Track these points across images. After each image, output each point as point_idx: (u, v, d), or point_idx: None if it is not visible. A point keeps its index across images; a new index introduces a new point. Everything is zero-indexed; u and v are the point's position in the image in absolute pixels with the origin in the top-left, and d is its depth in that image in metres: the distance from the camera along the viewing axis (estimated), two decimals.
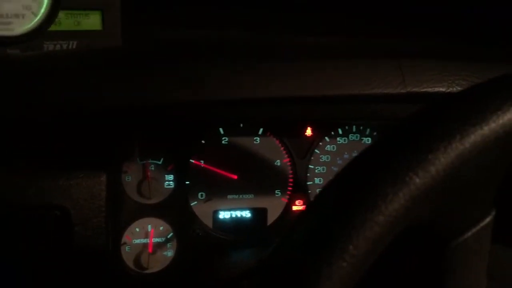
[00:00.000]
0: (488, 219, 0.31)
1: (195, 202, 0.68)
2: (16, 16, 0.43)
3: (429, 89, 0.52)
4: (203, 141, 0.67)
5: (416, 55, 0.54)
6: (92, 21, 0.68)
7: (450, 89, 0.52)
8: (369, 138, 0.73)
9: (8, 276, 0.52)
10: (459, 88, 0.53)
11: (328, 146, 0.72)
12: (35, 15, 0.43)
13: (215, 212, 0.69)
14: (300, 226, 0.26)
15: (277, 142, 0.70)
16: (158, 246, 0.66)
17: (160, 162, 0.66)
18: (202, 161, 0.68)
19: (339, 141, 0.73)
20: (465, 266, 0.31)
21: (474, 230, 0.31)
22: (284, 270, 0.25)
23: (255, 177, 0.70)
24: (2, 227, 0.49)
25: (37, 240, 0.51)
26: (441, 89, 0.52)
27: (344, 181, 0.27)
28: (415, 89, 0.51)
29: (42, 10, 0.44)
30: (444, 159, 0.27)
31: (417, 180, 0.26)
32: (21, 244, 0.51)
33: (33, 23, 0.44)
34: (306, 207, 0.27)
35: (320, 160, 0.72)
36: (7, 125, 0.43)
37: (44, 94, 0.44)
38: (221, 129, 0.68)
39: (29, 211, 0.50)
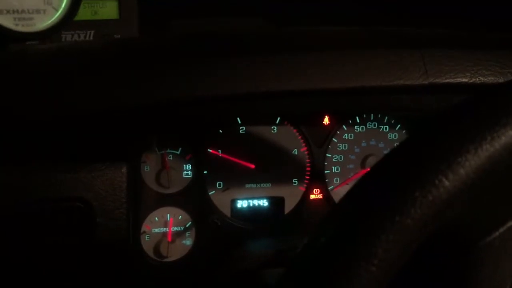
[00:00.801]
0: None
1: (213, 191, 0.68)
2: (37, 11, 0.43)
3: (452, 80, 0.51)
4: (220, 131, 0.67)
5: (438, 45, 0.53)
6: (108, 10, 0.68)
7: (473, 80, 0.51)
8: (387, 126, 0.73)
9: (32, 266, 0.53)
10: (482, 79, 0.52)
11: (346, 134, 0.72)
12: (56, 10, 0.43)
13: (233, 201, 0.70)
14: (327, 229, 0.26)
15: (295, 131, 0.70)
16: (177, 234, 0.67)
17: (178, 152, 0.66)
18: (219, 151, 0.68)
19: (356, 129, 0.72)
20: (491, 266, 0.31)
21: (501, 230, 0.30)
22: (312, 273, 0.25)
23: (273, 166, 0.70)
24: (26, 219, 0.50)
25: (60, 231, 0.52)
26: (464, 80, 0.51)
27: (373, 183, 0.27)
28: (437, 80, 0.51)
29: (63, 5, 0.43)
30: (474, 161, 0.26)
31: (447, 183, 0.26)
32: (45, 235, 0.52)
33: (54, 18, 0.43)
34: (333, 209, 0.27)
35: (338, 148, 0.72)
36: (28, 122, 0.43)
37: (63, 90, 0.44)
38: (238, 119, 0.68)
39: (53, 204, 0.50)
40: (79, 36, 0.66)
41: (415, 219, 0.25)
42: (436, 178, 0.26)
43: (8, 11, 0.42)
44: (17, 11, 0.42)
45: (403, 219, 0.25)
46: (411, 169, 0.26)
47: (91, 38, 0.66)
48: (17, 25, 0.43)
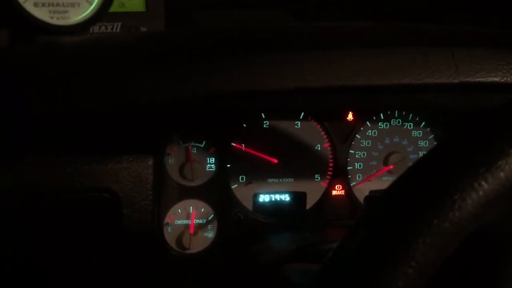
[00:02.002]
0: None
1: (236, 185, 0.69)
2: (72, 4, 0.43)
3: (483, 79, 0.50)
4: (244, 125, 0.68)
5: (469, 43, 0.52)
6: (136, 2, 0.68)
7: (505, 79, 0.51)
8: (411, 124, 0.72)
9: (58, 255, 0.54)
10: None
11: (370, 131, 0.72)
12: (90, 3, 0.44)
13: (255, 195, 0.70)
14: (364, 230, 0.26)
15: (318, 126, 0.70)
16: (199, 227, 0.67)
17: (202, 145, 0.66)
18: (243, 145, 0.68)
19: (380, 126, 0.72)
20: None
21: None
22: (348, 275, 0.25)
23: (295, 161, 0.70)
24: (56, 209, 0.50)
25: (87, 221, 0.52)
26: (495, 79, 0.51)
27: (411, 186, 0.27)
28: (468, 79, 0.50)
29: None
30: None
31: (486, 186, 0.26)
32: (73, 225, 0.52)
33: (88, 11, 0.44)
34: (371, 210, 0.27)
35: (361, 145, 0.72)
36: (60, 117, 0.44)
37: (94, 85, 0.44)
38: (262, 113, 0.68)
39: (81, 194, 0.51)
40: (106, 28, 0.66)
41: (453, 222, 0.25)
42: (475, 181, 0.26)
43: (43, 4, 0.42)
44: (52, 4, 0.43)
45: (441, 222, 0.25)
46: (450, 172, 0.26)
47: (118, 30, 0.67)
48: (52, 18, 0.43)
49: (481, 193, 0.26)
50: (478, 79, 0.50)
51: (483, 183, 0.26)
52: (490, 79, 0.50)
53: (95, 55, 0.44)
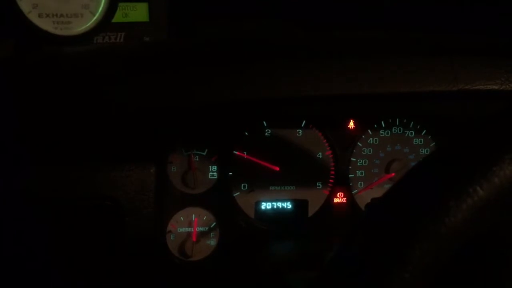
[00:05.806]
0: None
1: (238, 193, 0.69)
2: (75, 15, 0.44)
3: (481, 87, 0.51)
4: (246, 133, 0.68)
5: (468, 51, 0.53)
6: (139, 13, 0.69)
7: (504, 87, 0.51)
8: (412, 131, 0.73)
9: (62, 261, 0.55)
10: None
11: (371, 139, 0.72)
12: (93, 14, 0.44)
13: (257, 203, 0.70)
14: (361, 236, 0.27)
15: (320, 134, 0.70)
16: (202, 235, 0.68)
17: (204, 153, 0.67)
18: (245, 153, 0.68)
19: (381, 134, 0.72)
20: None
21: None
22: (346, 280, 0.25)
23: (297, 169, 0.70)
24: (58, 216, 0.51)
25: (90, 229, 0.53)
26: (494, 87, 0.51)
27: (407, 192, 0.27)
28: (467, 87, 0.50)
29: (100, 9, 0.45)
30: (509, 170, 0.26)
31: (481, 192, 0.26)
32: (75, 232, 0.53)
33: (91, 22, 0.45)
34: (367, 216, 0.28)
35: (363, 153, 0.72)
36: (61, 123, 0.44)
37: (98, 93, 0.45)
38: (264, 121, 0.68)
39: (83, 202, 0.52)
40: (109, 38, 0.67)
41: (449, 227, 0.25)
42: (470, 187, 0.26)
43: (47, 15, 0.43)
44: (56, 15, 0.43)
45: (436, 227, 0.25)
46: (445, 178, 0.26)
47: (121, 40, 0.68)
48: (55, 28, 0.44)
49: (476, 198, 0.26)
50: (477, 87, 0.50)
51: (478, 189, 0.26)
52: (489, 87, 0.51)
53: (100, 64, 0.45)
